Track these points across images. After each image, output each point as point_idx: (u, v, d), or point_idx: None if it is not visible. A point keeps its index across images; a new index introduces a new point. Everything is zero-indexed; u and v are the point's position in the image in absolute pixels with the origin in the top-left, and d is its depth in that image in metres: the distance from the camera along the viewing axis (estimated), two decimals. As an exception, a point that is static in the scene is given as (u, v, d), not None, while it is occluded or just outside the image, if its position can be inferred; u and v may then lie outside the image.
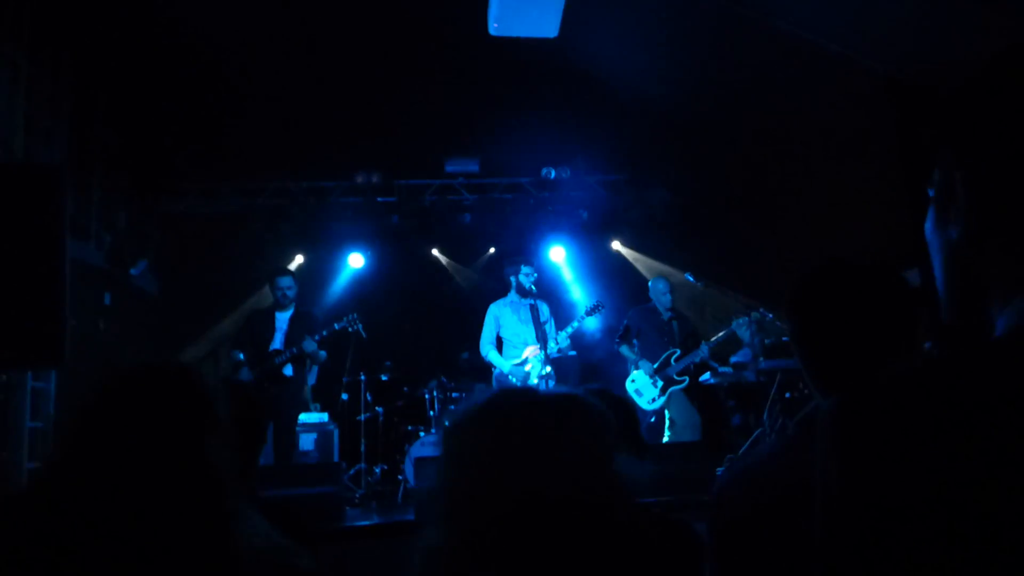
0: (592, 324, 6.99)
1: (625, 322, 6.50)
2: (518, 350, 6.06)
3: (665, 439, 6.28)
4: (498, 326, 6.18)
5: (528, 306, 6.05)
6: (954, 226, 0.68)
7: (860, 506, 0.55)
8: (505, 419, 1.08)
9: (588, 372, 7.49)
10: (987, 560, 0.49)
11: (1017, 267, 0.63)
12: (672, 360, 6.25)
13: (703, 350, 6.19)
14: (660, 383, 6.20)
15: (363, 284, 8.58)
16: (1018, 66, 0.63)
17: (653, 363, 6.23)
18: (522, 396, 1.13)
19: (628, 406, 2.10)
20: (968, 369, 0.57)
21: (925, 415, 0.54)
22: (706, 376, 6.59)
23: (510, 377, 5.96)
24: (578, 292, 8.93)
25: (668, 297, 6.38)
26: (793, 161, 7.14)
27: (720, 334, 6.19)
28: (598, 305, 6.15)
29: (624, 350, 6.43)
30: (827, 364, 1.31)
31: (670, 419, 6.29)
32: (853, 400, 0.59)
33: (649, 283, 6.58)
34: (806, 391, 5.80)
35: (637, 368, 6.30)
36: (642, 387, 6.28)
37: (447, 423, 1.17)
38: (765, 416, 6.22)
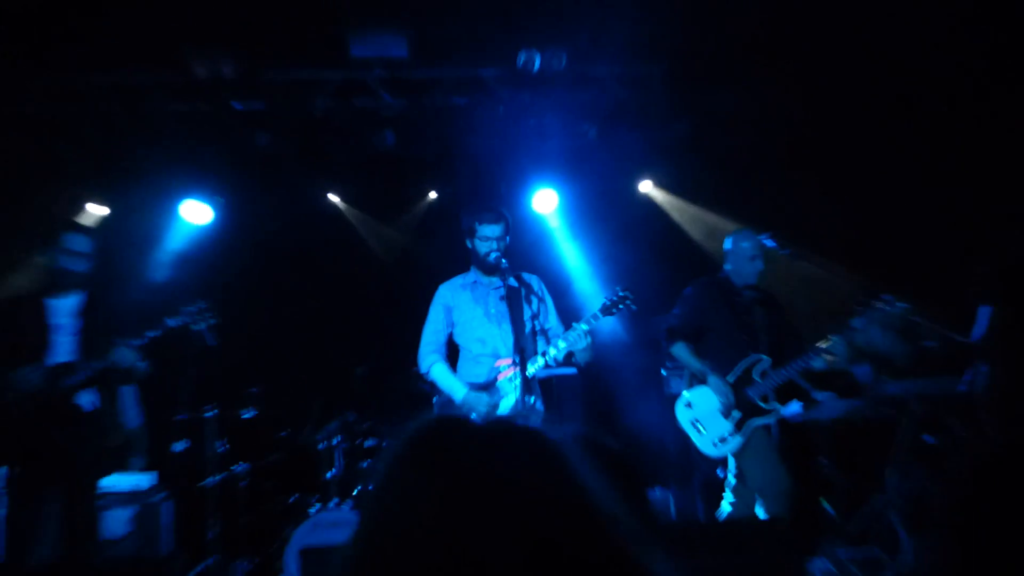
0: (610, 323, 4.87)
1: (681, 307, 4.46)
2: (482, 365, 4.15)
3: (726, 509, 4.30)
4: (450, 323, 4.30)
5: (501, 290, 4.13)
6: None
7: None
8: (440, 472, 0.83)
9: (596, 396, 5.99)
10: None
11: None
12: (756, 373, 4.18)
13: (812, 358, 4.08)
14: (736, 412, 4.15)
15: (209, 254, 6.38)
16: None
17: (726, 374, 4.23)
18: (462, 431, 0.87)
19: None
20: None
21: None
22: (794, 407, 4.50)
23: (463, 409, 4.10)
24: (582, 270, 6.86)
25: (756, 264, 4.38)
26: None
27: (833, 339, 4.08)
28: (624, 298, 3.93)
29: (680, 351, 4.37)
30: None
31: (738, 472, 4.24)
32: None
33: (727, 240, 4.61)
34: (962, 432, 4.39)
35: (701, 382, 4.28)
36: (704, 416, 4.22)
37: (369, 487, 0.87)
38: (888, 475, 4.48)
